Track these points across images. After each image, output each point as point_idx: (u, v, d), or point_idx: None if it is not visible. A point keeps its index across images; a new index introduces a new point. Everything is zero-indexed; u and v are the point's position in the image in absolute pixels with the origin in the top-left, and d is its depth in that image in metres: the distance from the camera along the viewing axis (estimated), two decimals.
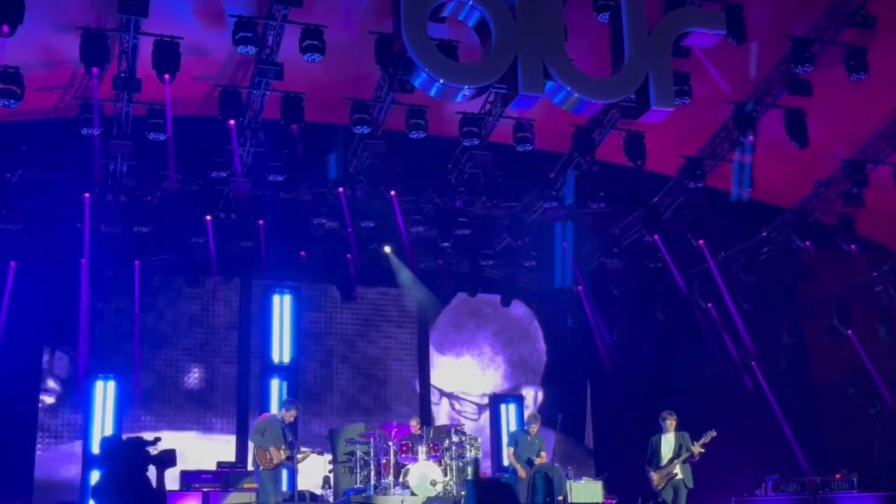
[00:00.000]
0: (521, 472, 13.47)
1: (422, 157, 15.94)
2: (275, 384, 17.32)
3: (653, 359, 19.60)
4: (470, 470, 14.45)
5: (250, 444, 12.88)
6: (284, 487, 13.14)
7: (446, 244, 18.18)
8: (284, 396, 17.20)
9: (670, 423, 13.16)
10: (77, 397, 17.40)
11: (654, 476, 12.96)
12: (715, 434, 12.84)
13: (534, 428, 14.19)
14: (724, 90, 14.86)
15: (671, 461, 12.87)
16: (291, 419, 13.06)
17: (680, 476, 12.87)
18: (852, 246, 17.18)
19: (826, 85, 14.25)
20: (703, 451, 12.82)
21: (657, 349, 19.67)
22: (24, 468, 16.95)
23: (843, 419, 18.42)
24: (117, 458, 7.63)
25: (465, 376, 20.39)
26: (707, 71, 14.13)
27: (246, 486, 14.71)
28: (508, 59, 10.60)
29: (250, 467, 12.86)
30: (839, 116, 15.39)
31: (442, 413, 19.92)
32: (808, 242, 17.38)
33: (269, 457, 12.59)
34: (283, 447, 12.59)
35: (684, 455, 12.81)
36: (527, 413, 14.79)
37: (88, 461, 15.06)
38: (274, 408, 16.93)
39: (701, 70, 13.91)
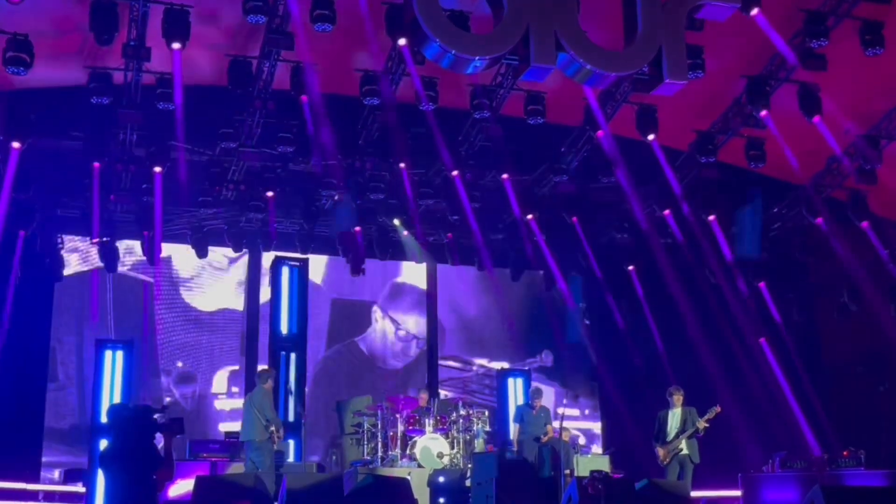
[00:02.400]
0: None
1: (432, 130, 15.82)
2: (282, 356, 17.32)
3: (662, 334, 19.56)
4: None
5: (261, 417, 12.94)
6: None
7: (455, 217, 18.14)
8: (293, 368, 17.25)
9: (677, 398, 13.15)
10: (86, 365, 17.49)
11: (660, 451, 12.97)
12: (719, 410, 12.83)
13: (537, 403, 14.21)
14: (737, 64, 14.72)
15: (676, 436, 12.86)
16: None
17: (685, 451, 12.87)
18: (864, 222, 17.08)
19: (841, 59, 14.11)
20: (707, 426, 12.81)
21: (666, 325, 19.62)
22: (33, 438, 17.09)
23: (852, 396, 18.39)
24: (125, 425, 7.63)
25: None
26: (720, 44, 13.98)
27: None
28: (520, 30, 10.53)
29: (258, 439, 12.91)
30: (853, 91, 15.25)
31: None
32: (819, 219, 17.29)
33: (281, 430, 12.85)
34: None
35: (689, 430, 12.81)
36: (532, 388, 14.82)
37: (96, 429, 15.11)
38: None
39: (714, 43, 13.78)
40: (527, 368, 19.95)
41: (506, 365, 20.17)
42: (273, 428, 12.79)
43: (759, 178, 17.62)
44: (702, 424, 12.80)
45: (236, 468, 13.59)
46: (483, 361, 20.62)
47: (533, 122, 15.35)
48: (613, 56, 11.02)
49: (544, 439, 13.68)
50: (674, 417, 13.08)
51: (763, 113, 15.30)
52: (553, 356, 20.92)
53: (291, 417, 16.32)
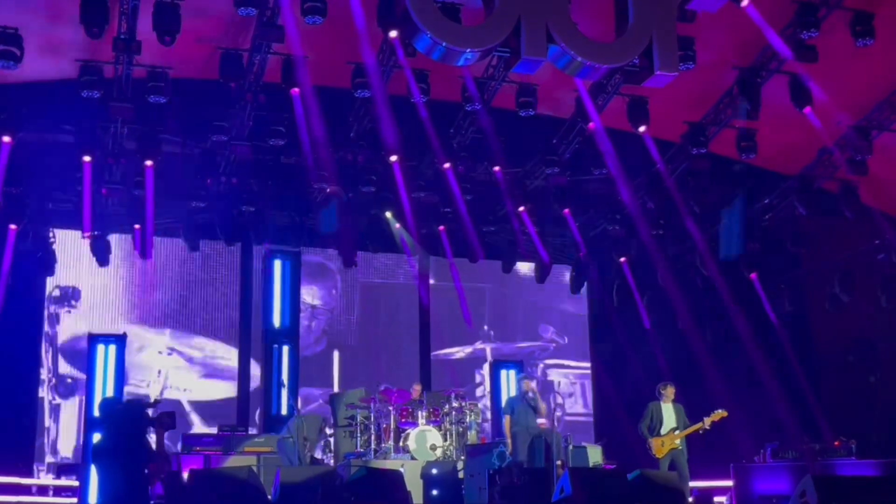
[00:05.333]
0: (510, 448, 13.38)
1: (423, 122, 15.81)
2: (275, 349, 17.34)
3: (653, 325, 19.59)
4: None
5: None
6: None
7: (448, 210, 18.13)
8: (285, 361, 17.29)
9: (670, 391, 13.17)
10: (78, 361, 17.48)
11: (654, 443, 12.96)
12: (725, 414, 12.87)
13: (527, 388, 14.13)
14: (728, 55, 14.74)
15: (673, 430, 12.88)
16: None
17: (680, 447, 12.92)
18: (855, 213, 17.13)
19: (831, 50, 14.13)
20: (708, 428, 12.91)
21: (658, 315, 19.66)
22: (25, 433, 17.07)
23: (843, 387, 18.45)
24: (117, 420, 7.64)
25: None
26: (711, 36, 14.00)
27: (247, 449, 14.77)
28: (511, 22, 10.54)
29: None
30: (844, 82, 15.27)
31: None
32: (810, 210, 17.32)
33: None
34: None
35: (693, 427, 12.85)
36: (521, 378, 14.78)
37: (89, 424, 15.11)
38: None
39: (705, 35, 13.79)
40: (519, 359, 19.95)
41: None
42: None
43: (750, 170, 17.65)
44: (708, 423, 12.87)
45: (232, 461, 13.65)
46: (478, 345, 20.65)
47: (524, 115, 15.37)
48: (604, 48, 11.03)
49: (541, 425, 13.56)
50: (668, 412, 13.09)
51: None
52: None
53: (284, 411, 16.34)
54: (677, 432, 12.87)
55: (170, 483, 8.36)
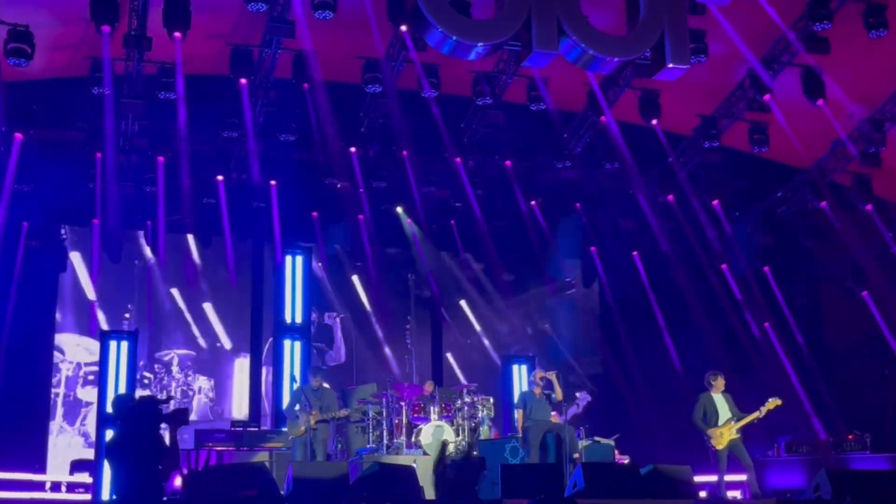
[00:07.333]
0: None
1: (434, 117, 15.79)
2: (287, 344, 17.33)
3: (666, 319, 19.53)
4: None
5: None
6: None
7: (459, 204, 18.11)
8: (297, 357, 17.29)
9: (720, 382, 13.11)
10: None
11: (714, 433, 12.85)
12: (780, 403, 12.81)
13: (538, 378, 14.09)
14: (740, 48, 14.66)
15: (729, 421, 12.82)
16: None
17: (738, 436, 12.87)
18: (868, 206, 17.05)
19: (844, 42, 14.05)
20: (763, 416, 12.88)
21: (671, 309, 19.60)
22: (38, 429, 17.14)
23: (857, 380, 18.37)
24: (130, 416, 7.66)
25: None
26: (723, 28, 13.93)
27: (259, 445, 14.79)
28: (522, 16, 10.52)
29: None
30: (857, 74, 15.20)
31: None
32: (823, 202, 17.25)
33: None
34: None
35: (753, 416, 12.80)
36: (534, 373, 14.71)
37: (102, 420, 15.14)
38: (286, 368, 17.01)
39: (717, 27, 13.72)
40: (531, 354, 19.90)
41: None
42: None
43: (763, 162, 17.58)
44: (764, 411, 12.81)
45: (260, 457, 13.72)
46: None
47: (535, 109, 15.33)
48: (616, 41, 11.02)
49: (553, 419, 13.48)
50: (721, 402, 13.02)
51: (766, 97, 15.27)
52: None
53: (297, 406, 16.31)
54: (733, 422, 12.80)
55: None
